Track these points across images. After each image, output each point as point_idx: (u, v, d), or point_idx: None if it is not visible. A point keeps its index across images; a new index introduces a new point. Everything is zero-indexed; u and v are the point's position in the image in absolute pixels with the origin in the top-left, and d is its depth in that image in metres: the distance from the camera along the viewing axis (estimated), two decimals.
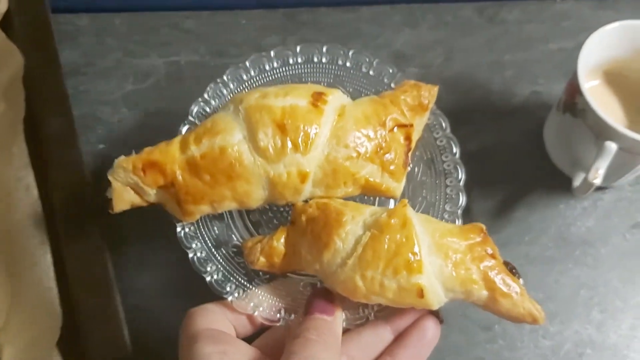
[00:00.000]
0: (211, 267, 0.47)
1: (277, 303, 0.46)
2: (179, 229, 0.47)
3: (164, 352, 0.52)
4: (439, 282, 0.42)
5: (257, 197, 0.45)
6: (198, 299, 0.53)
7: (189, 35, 0.66)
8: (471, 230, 0.44)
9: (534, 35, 0.66)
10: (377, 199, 0.51)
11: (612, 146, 0.49)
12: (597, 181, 0.49)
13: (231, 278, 0.47)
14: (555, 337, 0.54)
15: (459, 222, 0.48)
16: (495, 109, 0.63)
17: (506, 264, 0.44)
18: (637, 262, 0.56)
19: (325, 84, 0.51)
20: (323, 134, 0.44)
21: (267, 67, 0.52)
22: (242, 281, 0.47)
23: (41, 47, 0.58)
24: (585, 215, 0.58)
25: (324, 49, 0.52)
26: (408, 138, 0.46)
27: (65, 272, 0.50)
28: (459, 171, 0.49)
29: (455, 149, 0.50)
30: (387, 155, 0.45)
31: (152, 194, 0.45)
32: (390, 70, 0.52)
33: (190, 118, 0.50)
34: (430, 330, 0.44)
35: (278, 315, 0.45)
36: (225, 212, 0.49)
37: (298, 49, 0.52)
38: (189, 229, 0.48)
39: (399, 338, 0.44)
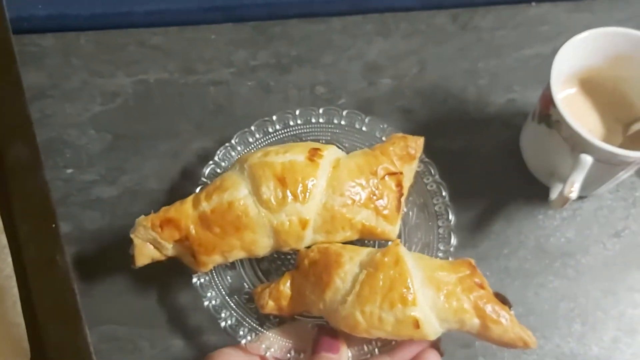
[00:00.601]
0: (225, 313, 0.51)
1: (287, 344, 0.49)
2: (194, 280, 0.51)
3: None
4: (433, 314, 0.45)
5: (263, 245, 0.49)
6: (170, 328, 0.53)
7: (157, 52, 0.64)
8: (461, 265, 0.47)
9: (507, 41, 0.66)
10: (377, 243, 0.54)
11: (587, 159, 0.48)
12: (573, 195, 0.48)
13: (244, 322, 0.50)
14: (537, 352, 0.53)
15: (451, 259, 0.51)
16: (470, 118, 0.62)
17: (497, 294, 0.46)
18: (618, 271, 0.56)
19: (324, 141, 0.56)
20: (320, 185, 0.48)
21: (270, 130, 0.57)
22: (254, 325, 0.50)
23: (2, 71, 0.56)
24: (565, 225, 0.57)
25: (320, 111, 0.57)
26: (399, 185, 0.50)
27: (33, 305, 0.48)
28: (449, 213, 0.53)
29: (445, 193, 0.54)
30: (379, 201, 0.49)
31: (169, 248, 0.49)
32: (381, 126, 0.56)
33: (203, 179, 0.54)
34: None
35: (288, 355, 0.49)
36: (237, 262, 0.53)
37: (297, 112, 0.57)
38: (204, 279, 0.51)
39: None
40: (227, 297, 0.51)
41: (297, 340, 0.49)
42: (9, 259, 0.50)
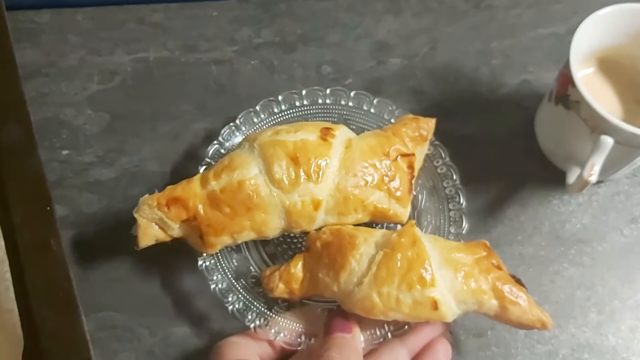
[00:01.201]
0: (232, 297, 0.49)
1: (297, 328, 0.48)
2: (200, 262, 0.50)
3: None
4: (451, 295, 0.44)
5: (274, 226, 0.47)
6: (171, 315, 0.51)
7: (157, 29, 0.62)
8: (476, 246, 0.46)
9: (522, 20, 0.63)
10: (385, 226, 0.53)
11: (608, 140, 0.46)
12: (593, 178, 0.46)
13: (252, 307, 0.49)
14: (551, 341, 0.51)
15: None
16: (483, 100, 0.60)
17: (512, 276, 0.46)
18: (635, 259, 0.54)
19: (331, 122, 0.53)
20: (333, 165, 0.47)
21: (275, 110, 0.55)
22: (263, 309, 0.49)
23: None
24: (581, 211, 0.55)
25: (328, 91, 0.55)
26: (411, 166, 0.49)
27: (26, 291, 0.46)
28: (460, 196, 0.52)
29: (455, 176, 0.53)
30: (392, 183, 0.48)
31: (175, 228, 0.47)
32: (390, 108, 0.55)
33: (207, 159, 0.53)
34: (442, 351, 0.46)
35: (299, 339, 0.47)
36: (243, 245, 0.51)
37: (304, 92, 0.55)
38: (210, 262, 0.50)
39: (414, 359, 0.46)
40: (233, 281, 0.50)
41: (308, 324, 0.48)
42: (2, 243, 0.48)
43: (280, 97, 0.55)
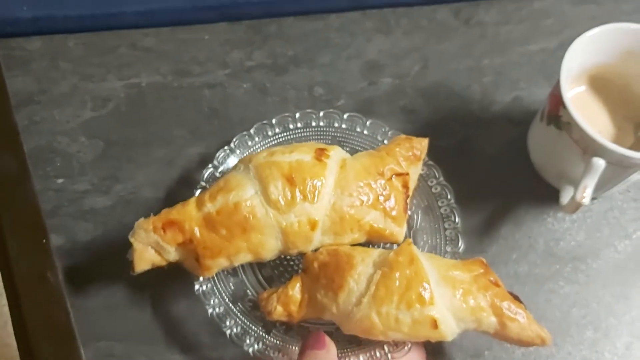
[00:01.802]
0: (230, 322, 0.49)
1: (295, 351, 0.48)
2: (196, 287, 0.50)
3: None
4: (450, 313, 0.44)
5: (270, 247, 0.47)
6: (168, 342, 0.51)
7: (149, 54, 0.62)
8: (473, 264, 0.46)
9: (512, 36, 0.63)
10: (381, 245, 0.53)
11: (599, 162, 0.46)
12: (586, 201, 0.46)
13: (250, 331, 0.49)
14: None
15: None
16: (475, 117, 0.60)
17: (510, 294, 0.46)
18: (630, 275, 0.54)
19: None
20: (328, 185, 0.47)
21: (269, 133, 0.55)
22: (261, 333, 0.49)
23: None
24: (575, 228, 0.56)
25: (321, 114, 0.56)
26: (405, 185, 0.49)
27: (24, 324, 0.47)
28: (455, 215, 0.52)
29: (450, 196, 0.53)
30: (388, 202, 0.48)
31: (172, 252, 0.47)
32: (383, 129, 0.55)
33: (202, 183, 0.53)
34: None
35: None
36: (239, 268, 0.52)
37: (297, 115, 0.55)
38: (206, 286, 0.50)
39: None
40: (230, 305, 0.50)
41: None
42: None
43: (274, 120, 0.55)
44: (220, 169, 0.53)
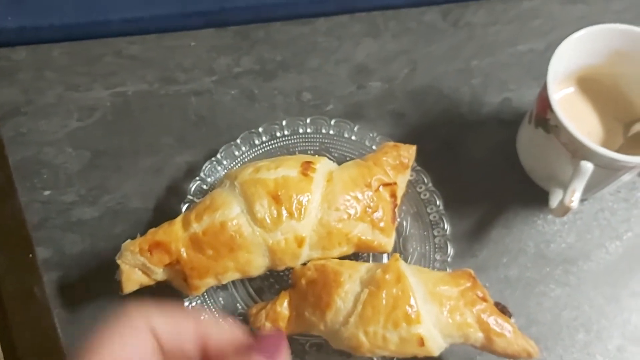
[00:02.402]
0: None
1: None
2: (186, 303, 0.50)
3: None
4: (437, 330, 0.44)
5: (258, 265, 0.47)
6: None
7: (135, 62, 0.62)
8: (461, 277, 0.46)
9: (501, 37, 0.63)
10: (371, 254, 0.53)
11: (588, 166, 0.46)
12: (574, 204, 0.46)
13: None
14: None
15: (449, 270, 0.51)
16: (465, 120, 0.59)
17: (497, 304, 0.46)
18: (621, 276, 0.54)
19: (312, 152, 0.55)
20: (315, 200, 0.47)
21: (257, 142, 0.55)
22: None
23: None
24: (565, 230, 0.55)
25: (308, 120, 0.55)
26: (393, 195, 0.49)
27: (12, 342, 0.46)
28: (444, 222, 0.52)
29: (439, 202, 0.53)
30: (375, 214, 0.48)
31: (159, 273, 0.47)
32: (371, 134, 0.55)
33: (189, 197, 0.53)
34: None
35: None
36: (229, 282, 0.50)
37: (284, 122, 0.55)
38: (196, 302, 0.50)
39: None
40: (221, 320, 0.49)
41: None
42: None
43: (260, 129, 0.55)
44: (208, 180, 0.53)
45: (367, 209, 0.48)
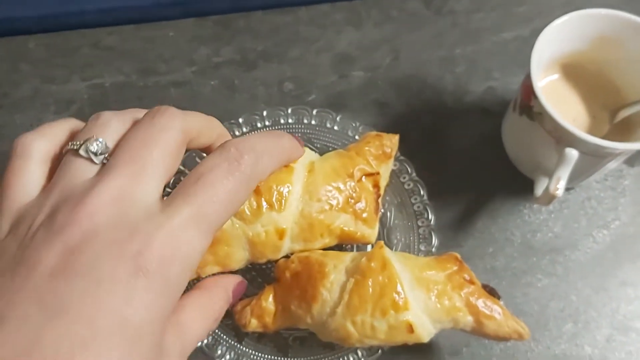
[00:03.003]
0: None
1: (268, 359, 0.48)
2: None
3: None
4: (425, 316, 0.43)
5: (238, 258, 0.45)
6: None
7: (112, 53, 0.60)
8: (447, 261, 0.45)
9: (485, 24, 0.62)
10: (355, 245, 0.52)
11: (573, 153, 0.45)
12: (559, 192, 0.45)
13: (221, 341, 0.48)
14: (527, 355, 0.50)
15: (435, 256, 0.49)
16: (449, 109, 0.58)
17: (485, 286, 0.45)
18: (609, 266, 0.53)
19: None
20: (295, 191, 0.45)
21: (237, 133, 0.54)
22: (233, 342, 0.48)
23: None
24: (552, 219, 0.54)
25: (289, 111, 0.54)
26: (376, 185, 0.48)
27: None
28: (429, 212, 0.51)
29: (423, 192, 0.52)
30: (358, 205, 0.47)
31: None
32: (353, 124, 0.54)
33: (168, 189, 0.49)
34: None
35: None
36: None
37: (265, 113, 0.54)
38: None
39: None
40: None
41: (280, 354, 0.48)
42: None
43: (241, 120, 0.53)
44: (187, 172, 0.52)
45: (350, 199, 0.46)
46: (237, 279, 0.41)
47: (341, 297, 0.43)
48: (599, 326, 0.51)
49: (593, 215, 0.55)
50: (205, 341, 0.47)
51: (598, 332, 0.51)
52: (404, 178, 0.52)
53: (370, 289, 0.42)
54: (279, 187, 0.45)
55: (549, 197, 0.46)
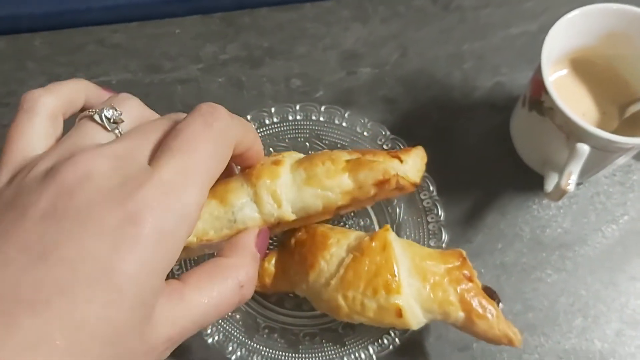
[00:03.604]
0: (211, 329, 0.48)
1: (278, 355, 0.48)
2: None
3: None
4: (417, 304, 0.43)
5: (234, 187, 0.40)
6: None
7: (118, 50, 0.60)
8: (451, 255, 0.45)
9: (492, 20, 0.62)
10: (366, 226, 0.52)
11: (584, 148, 0.45)
12: (571, 187, 0.45)
13: (232, 337, 0.48)
14: (537, 350, 0.50)
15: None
16: (457, 105, 0.58)
17: (486, 288, 0.45)
18: (618, 261, 0.53)
19: (302, 139, 0.54)
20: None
21: None
22: (243, 339, 0.48)
23: None
24: (561, 215, 0.54)
25: (297, 107, 0.53)
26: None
27: None
28: (438, 208, 0.51)
29: (432, 187, 0.51)
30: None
31: None
32: (362, 121, 0.53)
33: None
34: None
35: None
36: None
37: (273, 109, 0.53)
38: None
39: None
40: None
41: (290, 350, 0.48)
42: None
43: (249, 117, 0.53)
44: None
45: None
46: (255, 231, 0.39)
47: (337, 271, 0.43)
48: (609, 321, 0.51)
49: (602, 211, 0.55)
50: (217, 337, 0.47)
51: (608, 327, 0.51)
52: None
53: (366, 267, 0.43)
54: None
55: (560, 193, 0.46)
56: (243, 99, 0.58)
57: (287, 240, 0.47)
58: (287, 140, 0.54)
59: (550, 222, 0.54)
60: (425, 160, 0.47)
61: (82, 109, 0.35)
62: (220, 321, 0.48)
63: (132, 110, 0.33)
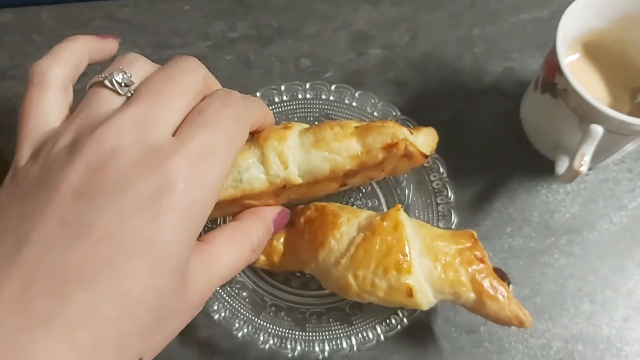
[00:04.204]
0: (218, 306, 0.48)
1: (285, 333, 0.48)
2: None
3: None
4: (428, 284, 0.43)
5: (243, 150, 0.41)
6: None
7: (126, 26, 0.59)
8: (462, 236, 0.45)
9: (503, 5, 0.61)
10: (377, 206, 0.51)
11: (598, 129, 0.44)
12: (584, 169, 0.45)
13: (238, 315, 0.48)
14: (545, 334, 0.50)
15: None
16: (466, 89, 0.58)
17: (497, 270, 0.45)
18: (626, 246, 0.53)
19: (311, 119, 0.53)
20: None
21: None
22: (250, 316, 0.48)
23: None
24: (569, 200, 0.54)
25: (307, 86, 0.53)
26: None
27: None
28: (448, 189, 0.50)
29: (442, 169, 0.51)
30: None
31: None
32: (372, 100, 0.52)
33: None
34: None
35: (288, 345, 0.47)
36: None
37: (283, 87, 0.52)
38: None
39: None
40: (218, 289, 0.48)
41: (297, 329, 0.48)
42: None
43: (258, 94, 0.53)
44: None
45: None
46: (277, 208, 0.42)
47: (347, 249, 0.43)
48: (616, 306, 0.51)
49: (610, 197, 0.54)
50: (224, 314, 0.47)
51: (615, 312, 0.51)
52: None
53: (377, 246, 0.42)
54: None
55: (572, 174, 0.46)
56: (251, 78, 0.58)
57: (297, 219, 0.46)
58: (296, 119, 0.53)
59: (558, 207, 0.54)
60: (436, 139, 0.47)
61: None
62: (227, 298, 0.48)
63: (141, 71, 0.34)
